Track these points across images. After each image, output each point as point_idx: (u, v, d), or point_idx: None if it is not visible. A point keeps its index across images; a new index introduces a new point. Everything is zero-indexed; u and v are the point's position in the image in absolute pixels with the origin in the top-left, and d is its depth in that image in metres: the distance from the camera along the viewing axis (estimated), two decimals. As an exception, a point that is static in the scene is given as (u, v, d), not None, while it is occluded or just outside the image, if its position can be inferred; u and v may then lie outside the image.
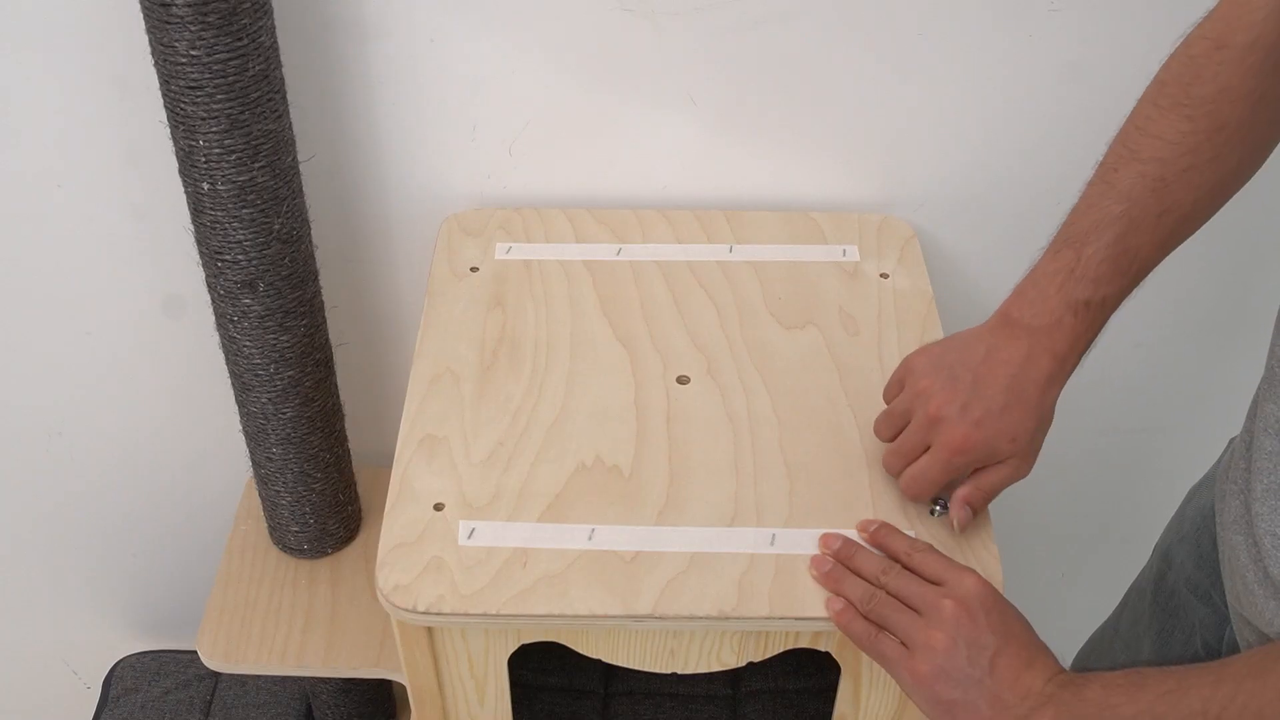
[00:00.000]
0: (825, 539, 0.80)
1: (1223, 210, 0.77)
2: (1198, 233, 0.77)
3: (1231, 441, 0.85)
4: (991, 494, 0.80)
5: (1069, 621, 1.48)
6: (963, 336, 0.81)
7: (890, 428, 0.82)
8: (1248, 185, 0.76)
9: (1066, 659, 1.51)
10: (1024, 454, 0.78)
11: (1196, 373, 1.22)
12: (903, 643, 0.74)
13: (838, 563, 0.78)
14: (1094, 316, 0.76)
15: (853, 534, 0.81)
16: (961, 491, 0.80)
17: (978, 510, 0.80)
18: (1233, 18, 0.72)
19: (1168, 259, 0.78)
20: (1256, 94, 0.71)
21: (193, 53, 0.82)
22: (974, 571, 0.75)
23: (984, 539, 0.81)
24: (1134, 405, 1.25)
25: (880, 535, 0.79)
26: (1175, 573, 0.92)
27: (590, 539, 0.81)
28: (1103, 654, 1.05)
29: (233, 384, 1.03)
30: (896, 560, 0.77)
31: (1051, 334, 0.77)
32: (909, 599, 0.75)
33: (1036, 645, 0.73)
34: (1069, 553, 1.42)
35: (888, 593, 0.75)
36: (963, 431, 0.77)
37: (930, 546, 0.78)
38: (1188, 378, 1.23)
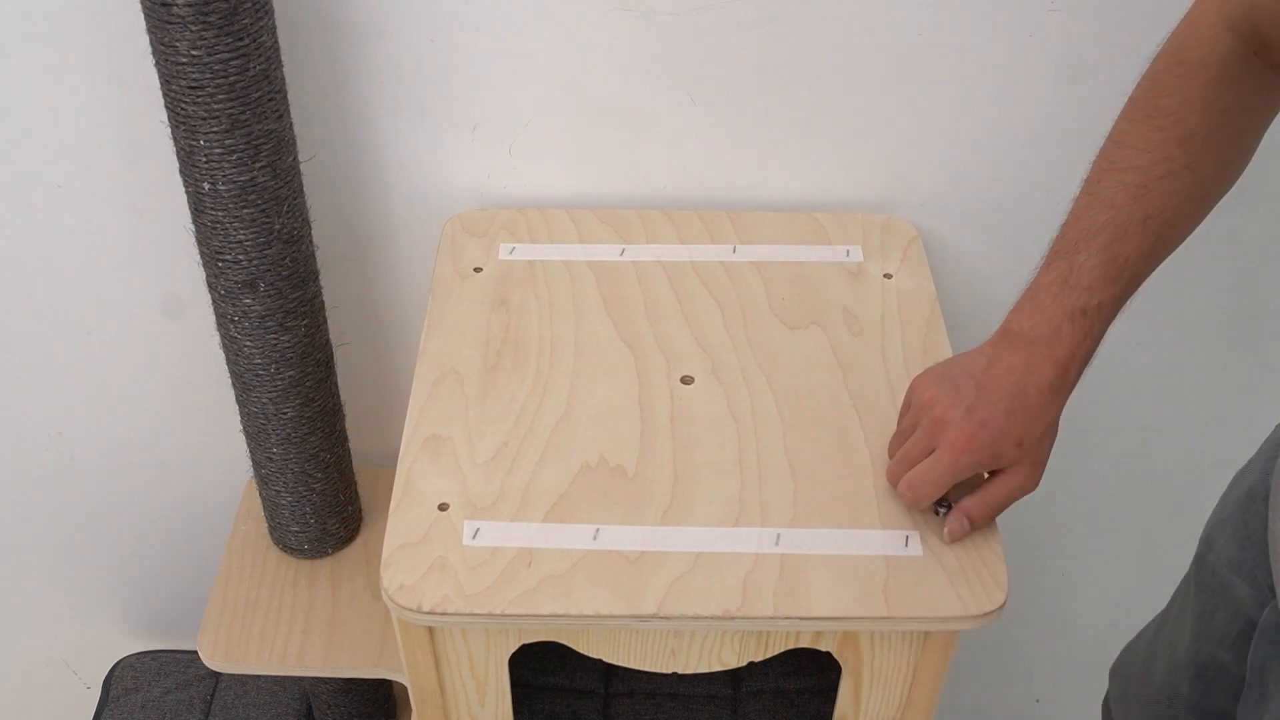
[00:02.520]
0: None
1: (1241, 214, 0.78)
2: (1208, 236, 0.78)
3: (1278, 428, 0.86)
4: (997, 508, 0.80)
5: (1069, 622, 1.49)
6: (965, 354, 0.83)
7: (901, 445, 0.83)
8: (1269, 186, 0.78)
9: (1065, 658, 1.52)
10: (1031, 461, 0.78)
11: (1199, 374, 1.23)
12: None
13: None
14: (1091, 324, 0.78)
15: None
16: (965, 502, 0.80)
17: (977, 525, 0.80)
18: (1187, 35, 0.76)
19: (1169, 263, 0.79)
20: (1217, 105, 0.75)
21: (194, 53, 0.81)
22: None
23: (989, 541, 0.81)
24: (1135, 405, 1.25)
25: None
26: (1216, 554, 0.92)
27: (594, 539, 0.81)
28: (1148, 645, 1.04)
29: (233, 384, 1.03)
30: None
31: (1051, 343, 0.78)
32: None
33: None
34: (1068, 552, 1.42)
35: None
36: (968, 431, 0.77)
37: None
38: (1189, 379, 1.23)
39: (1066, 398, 0.79)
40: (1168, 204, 0.76)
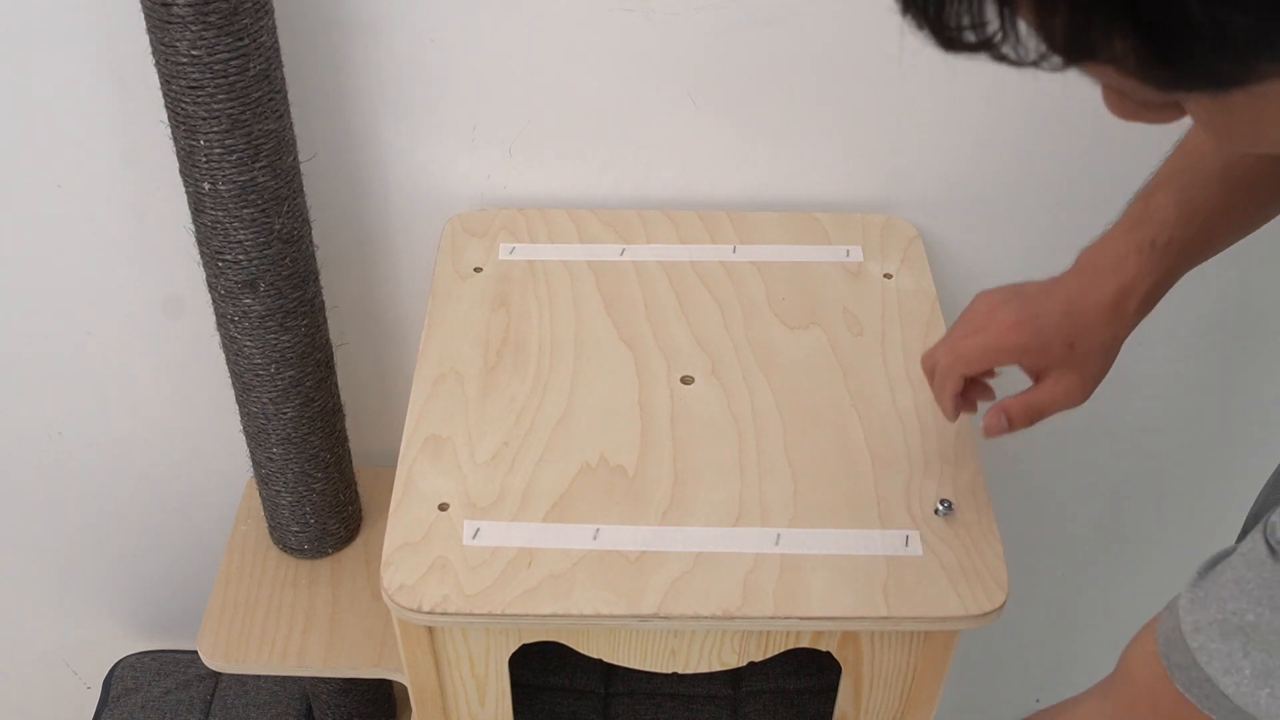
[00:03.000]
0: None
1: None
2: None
3: None
4: (1038, 412, 0.78)
5: (1069, 622, 1.49)
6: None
7: None
8: None
9: (1065, 658, 1.52)
10: (1081, 372, 0.77)
11: (1199, 374, 1.23)
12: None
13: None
14: (1160, 256, 0.76)
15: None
16: (1006, 400, 0.78)
17: (1015, 425, 0.78)
18: None
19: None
20: None
21: (194, 53, 0.81)
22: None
23: (989, 541, 0.81)
24: (1135, 405, 1.25)
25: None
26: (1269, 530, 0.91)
27: (595, 539, 0.81)
28: None
29: (233, 384, 1.03)
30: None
31: (1116, 270, 0.77)
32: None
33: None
34: (1068, 552, 1.42)
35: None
36: (1019, 318, 0.77)
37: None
38: (1189, 379, 1.23)
39: (1127, 327, 0.77)
40: (1246, 159, 0.75)
